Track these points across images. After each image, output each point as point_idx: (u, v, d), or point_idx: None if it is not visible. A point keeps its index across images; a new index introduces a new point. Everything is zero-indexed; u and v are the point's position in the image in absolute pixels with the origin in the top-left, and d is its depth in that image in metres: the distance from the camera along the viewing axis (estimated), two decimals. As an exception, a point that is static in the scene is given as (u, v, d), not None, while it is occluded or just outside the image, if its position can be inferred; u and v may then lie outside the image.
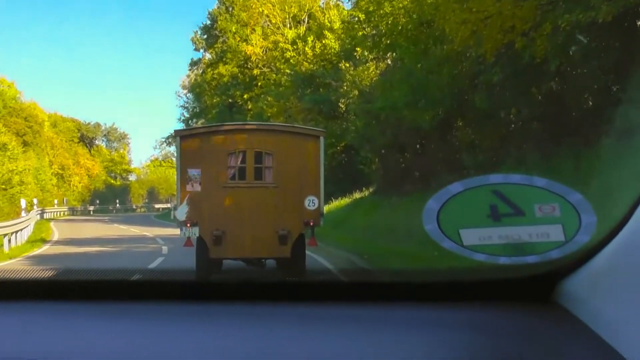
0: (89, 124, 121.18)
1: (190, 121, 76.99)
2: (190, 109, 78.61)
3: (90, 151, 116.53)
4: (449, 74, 21.89)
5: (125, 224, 54.72)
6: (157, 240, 32.71)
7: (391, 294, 2.53)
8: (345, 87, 35.59)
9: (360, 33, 27.46)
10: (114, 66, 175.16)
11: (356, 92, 33.05)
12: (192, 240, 14.83)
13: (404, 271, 3.82)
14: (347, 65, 36.09)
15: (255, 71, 51.31)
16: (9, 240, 29.06)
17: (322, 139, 15.14)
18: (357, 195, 36.77)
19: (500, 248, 3.18)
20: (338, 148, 44.69)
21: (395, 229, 24.70)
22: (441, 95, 22.77)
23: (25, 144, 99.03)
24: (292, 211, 14.56)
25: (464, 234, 3.12)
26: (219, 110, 57.32)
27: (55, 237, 38.45)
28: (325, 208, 37.90)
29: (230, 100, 56.61)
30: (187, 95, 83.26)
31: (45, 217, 72.87)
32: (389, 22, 22.61)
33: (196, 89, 73.23)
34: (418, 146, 29.16)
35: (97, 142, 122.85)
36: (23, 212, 39.59)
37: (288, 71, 45.68)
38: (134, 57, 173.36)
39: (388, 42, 23.20)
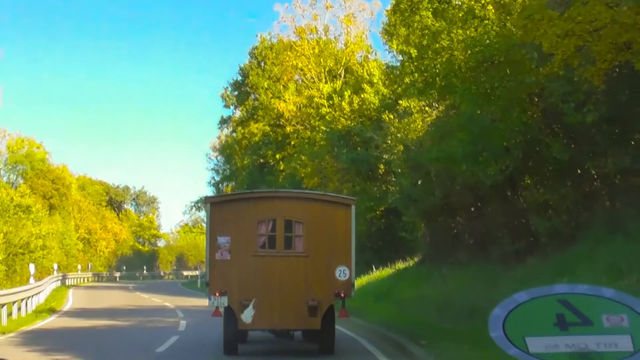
0: (117, 187, 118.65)
1: (220, 184, 73.95)
2: (221, 172, 75.48)
3: (118, 215, 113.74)
4: (520, 119, 18.23)
5: (148, 292, 51.36)
6: (177, 313, 29.33)
7: None
8: (389, 142, 32.04)
9: (407, 79, 23.91)
10: (144, 128, 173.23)
11: (401, 147, 29.51)
12: (221, 310, 14.54)
13: None
14: (392, 116, 32.62)
15: (288, 128, 48.02)
16: (11, 310, 25.66)
17: (353, 207, 15.10)
18: (400, 265, 32.90)
19: (567, 357, 3.88)
20: (377, 212, 41.03)
21: (450, 305, 21.21)
22: (509, 145, 19.09)
23: (51, 207, 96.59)
24: (323, 281, 14.38)
25: (530, 341, 3.85)
26: (250, 171, 54.08)
27: (67, 307, 35.21)
28: (365, 279, 34.37)
29: (261, 160, 53.38)
30: (218, 157, 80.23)
31: (67, 283, 69.57)
32: (444, 59, 19.09)
33: (227, 150, 70.34)
34: (473, 208, 25.40)
35: (125, 206, 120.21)
36: (31, 278, 36.15)
37: (323, 128, 42.30)
38: (164, 118, 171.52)
39: (443, 83, 19.61)
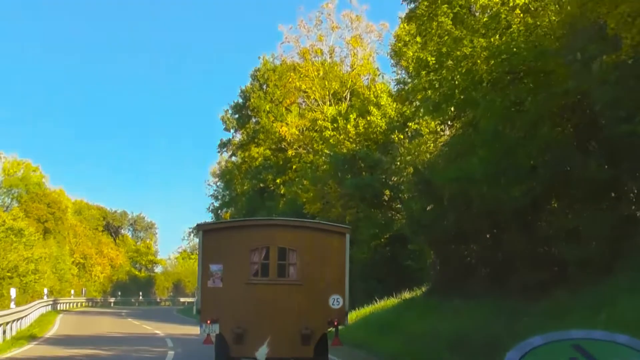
0: (115, 212, 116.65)
1: (220, 210, 71.81)
2: (220, 198, 73.50)
3: (115, 240, 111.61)
4: (550, 135, 16.31)
5: (141, 318, 49.30)
6: (167, 342, 27.39)
7: None
8: (398, 163, 30.14)
9: (420, 96, 22.08)
10: (144, 153, 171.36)
11: (410, 170, 27.61)
12: (212, 338, 14.55)
13: None
14: (402, 136, 30.75)
15: (290, 152, 46.15)
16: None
17: (347, 236, 15.13)
18: (406, 295, 30.88)
19: None
20: (382, 240, 39.10)
21: (463, 340, 19.31)
22: (536, 164, 17.15)
23: (46, 230, 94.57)
24: (316, 310, 14.36)
25: None
26: (249, 196, 52.16)
27: (50, 334, 33.18)
28: (369, 309, 32.30)
29: (261, 185, 51.47)
30: (217, 183, 78.27)
31: (58, 307, 67.38)
32: (464, 69, 17.25)
33: (226, 175, 68.50)
34: (489, 235, 23.43)
35: (122, 231, 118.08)
36: (12, 303, 34.05)
37: (327, 151, 40.43)
38: (164, 144, 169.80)
39: (462, 96, 17.75)
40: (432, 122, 26.51)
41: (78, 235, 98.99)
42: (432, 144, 26.77)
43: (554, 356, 4.09)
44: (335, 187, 40.46)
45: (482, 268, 24.03)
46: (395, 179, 32.86)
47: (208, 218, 70.52)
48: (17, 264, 68.17)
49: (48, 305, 58.73)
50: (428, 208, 26.45)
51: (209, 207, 74.62)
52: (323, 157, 41.01)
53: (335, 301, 14.51)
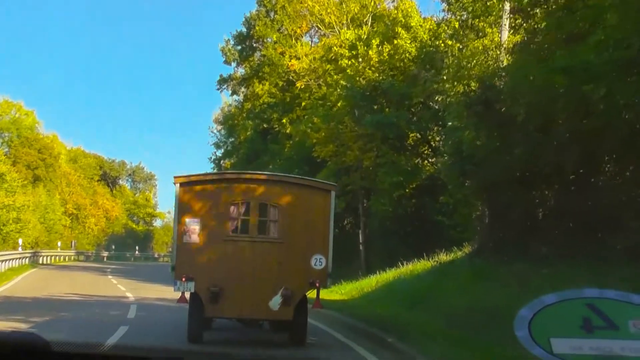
0: (113, 161, 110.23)
1: (222, 160, 65.09)
2: (223, 146, 66.71)
3: (112, 191, 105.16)
4: None
5: (125, 276, 42.81)
6: (129, 310, 20.88)
7: None
8: (444, 78, 23.18)
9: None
10: (144, 101, 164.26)
11: (460, 88, 20.77)
12: (186, 297, 13.79)
13: None
14: (450, 42, 23.74)
15: (299, 84, 39.12)
16: None
17: (333, 193, 14.36)
18: (442, 257, 24.20)
19: (590, 359, 3.99)
20: (407, 191, 32.39)
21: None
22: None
23: (36, 178, 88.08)
24: (297, 270, 13.79)
25: (554, 342, 3.97)
26: (251, 139, 45.44)
27: (-5, 293, 26.57)
28: (392, 273, 25.56)
29: (265, 126, 44.63)
30: (221, 131, 71.18)
31: (41, 261, 61.10)
32: None
33: (228, 120, 61.73)
34: (573, 176, 16.69)
35: (120, 181, 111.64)
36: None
37: (343, 83, 33.55)
38: (166, 92, 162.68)
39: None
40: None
41: (71, 185, 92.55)
42: (497, 52, 19.77)
43: (567, 314, 4.13)
44: (351, 126, 33.76)
45: (560, 221, 17.29)
46: (439, 99, 25.91)
47: (209, 168, 64.58)
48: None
49: (24, 257, 52.25)
50: (478, 142, 19.75)
51: (211, 157, 67.78)
52: (338, 90, 34.10)
53: (318, 261, 13.82)
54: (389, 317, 17.99)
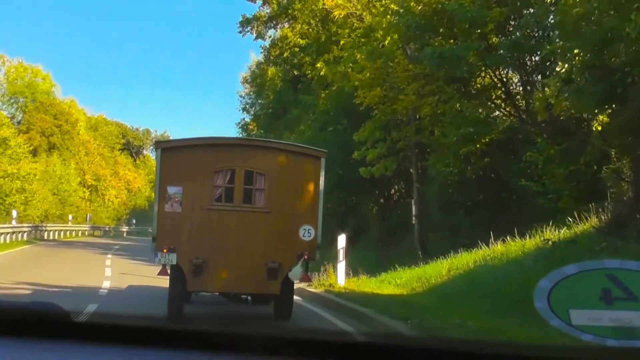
0: (136, 129, 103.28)
1: (250, 127, 57.77)
2: (251, 109, 59.31)
3: (135, 161, 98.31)
4: None
5: (130, 256, 35.79)
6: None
7: None
8: None
9: None
10: (171, 69, 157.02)
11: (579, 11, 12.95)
12: (167, 269, 13.14)
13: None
14: None
15: (337, 12, 31.22)
16: None
17: (323, 160, 13.55)
18: (549, 234, 16.45)
19: (610, 330, 3.92)
20: (477, 146, 24.71)
21: None
22: None
23: (51, 146, 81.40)
24: (285, 241, 13.18)
25: (573, 313, 3.95)
26: (279, 90, 37.86)
27: None
28: (468, 257, 17.39)
29: (295, 73, 36.91)
30: (249, 94, 63.52)
31: (46, 236, 54.36)
32: None
33: (257, 79, 54.33)
34: None
35: (145, 151, 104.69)
36: None
37: (394, 7, 25.73)
38: (193, 58, 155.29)
39: None
40: None
41: (90, 154, 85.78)
42: None
43: (587, 285, 4.09)
44: (405, 64, 26.04)
45: None
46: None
47: (237, 135, 57.54)
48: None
49: (20, 232, 45.32)
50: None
51: (240, 123, 60.36)
52: (388, 17, 26.27)
53: (307, 232, 13.08)
54: (491, 335, 10.51)
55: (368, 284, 19.34)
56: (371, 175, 28.17)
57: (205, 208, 13.14)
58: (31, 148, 78.32)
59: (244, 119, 58.60)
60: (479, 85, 26.30)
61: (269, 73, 43.12)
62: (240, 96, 64.92)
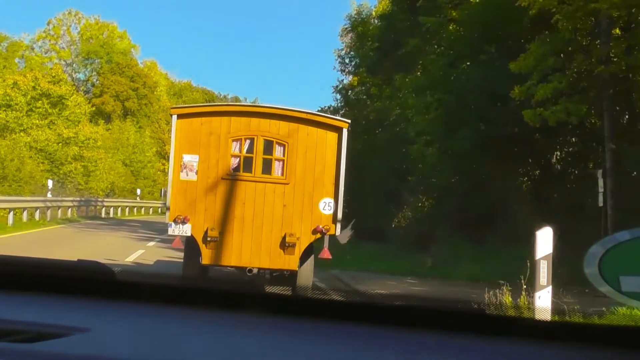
0: (224, 96, 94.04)
1: (350, 91, 47.21)
2: (350, 63, 48.47)
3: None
4: None
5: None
6: None
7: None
8: None
9: None
10: (260, 33, 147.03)
11: None
12: (182, 241, 12.99)
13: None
14: None
15: None
16: None
17: (345, 131, 13.01)
18: None
19: None
20: None
21: None
22: None
23: (127, 112, 72.68)
24: (304, 214, 12.83)
25: (623, 280, 3.80)
26: (389, 13, 27.08)
27: None
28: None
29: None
30: (349, 54, 52.54)
31: (103, 213, 45.30)
32: None
33: (358, 27, 43.60)
34: None
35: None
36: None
37: None
38: (285, 18, 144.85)
39: None
40: None
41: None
42: None
43: (638, 252, 3.96)
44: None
45: None
46: None
47: (331, 101, 48.40)
48: (47, 144, 46.45)
49: (59, 206, 35.94)
50: None
51: (337, 86, 49.84)
52: None
53: (327, 205, 12.69)
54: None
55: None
56: (528, 132, 17.50)
57: (221, 177, 12.70)
58: (104, 113, 70.12)
59: (341, 81, 48.11)
60: None
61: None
62: (339, 56, 53.94)
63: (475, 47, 20.99)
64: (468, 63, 21.72)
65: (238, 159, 12.84)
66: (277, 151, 12.82)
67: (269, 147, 12.81)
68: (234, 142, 12.80)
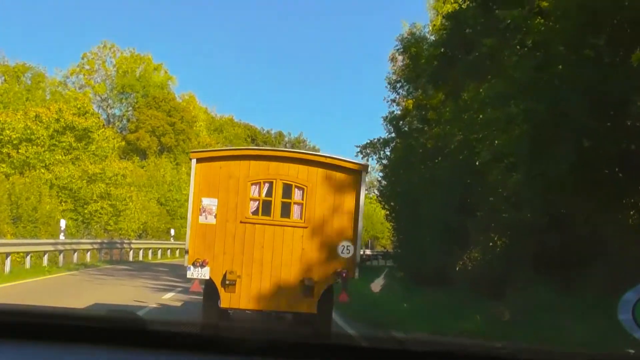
0: (268, 132, 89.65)
1: (402, 121, 42.40)
2: (403, 93, 43.69)
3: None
4: None
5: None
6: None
7: None
8: None
9: None
10: (305, 67, 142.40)
11: None
12: (200, 285, 13.15)
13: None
14: None
15: None
16: None
17: (364, 174, 13.21)
18: None
19: None
20: None
21: None
22: None
23: (163, 148, 68.71)
24: (322, 258, 12.92)
25: None
26: (456, 12, 22.38)
27: None
28: None
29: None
30: (400, 82, 47.70)
31: (130, 256, 40.92)
32: None
33: (411, 48, 39.01)
34: None
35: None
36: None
37: None
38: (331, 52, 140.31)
39: None
40: None
41: (212, 159, 72.34)
42: None
43: None
44: None
45: None
46: None
47: (383, 133, 44.12)
48: (70, 181, 42.25)
49: (75, 249, 31.57)
50: None
51: (387, 117, 45.04)
52: None
53: (345, 249, 12.65)
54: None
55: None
56: None
57: (240, 221, 12.78)
58: (139, 149, 66.22)
59: (392, 112, 43.36)
60: None
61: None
62: (389, 83, 49.17)
63: (576, 42, 16.08)
64: (559, 67, 16.83)
65: (257, 203, 12.90)
66: (296, 195, 12.92)
67: (287, 190, 12.88)
68: (253, 186, 12.90)
